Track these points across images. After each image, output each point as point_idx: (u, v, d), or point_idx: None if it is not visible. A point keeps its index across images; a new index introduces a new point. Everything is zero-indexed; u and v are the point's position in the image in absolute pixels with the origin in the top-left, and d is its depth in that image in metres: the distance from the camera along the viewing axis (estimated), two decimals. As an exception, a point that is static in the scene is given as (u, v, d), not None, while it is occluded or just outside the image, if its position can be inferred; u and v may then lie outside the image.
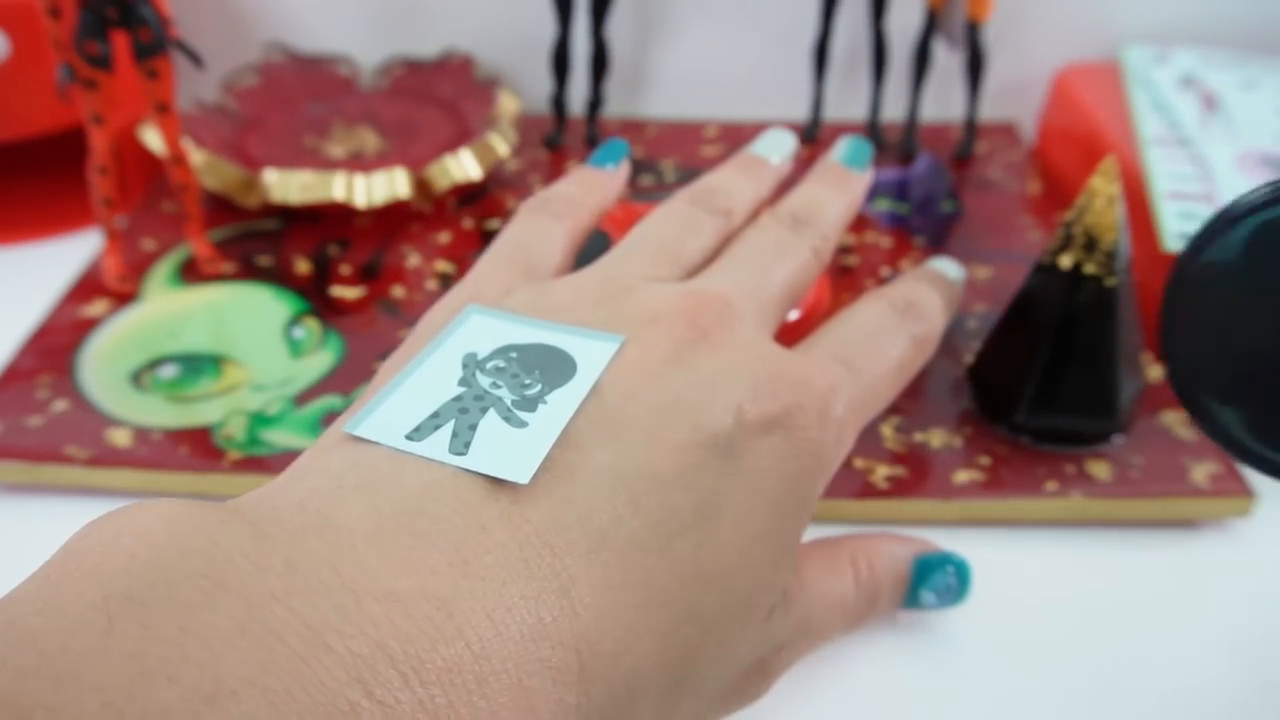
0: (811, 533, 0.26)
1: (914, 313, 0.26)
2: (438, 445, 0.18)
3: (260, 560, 0.15)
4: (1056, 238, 0.29)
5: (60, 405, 0.31)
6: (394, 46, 0.49)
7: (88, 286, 0.36)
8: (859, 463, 0.30)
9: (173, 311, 0.35)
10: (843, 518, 0.29)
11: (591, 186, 0.28)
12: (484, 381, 0.20)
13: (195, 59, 0.34)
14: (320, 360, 0.33)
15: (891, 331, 0.25)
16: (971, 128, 0.46)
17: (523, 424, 0.19)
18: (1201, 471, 0.30)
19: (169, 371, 0.33)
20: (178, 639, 0.14)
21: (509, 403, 0.20)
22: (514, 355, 0.21)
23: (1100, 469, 0.30)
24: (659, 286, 0.23)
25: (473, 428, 0.19)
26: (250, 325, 0.35)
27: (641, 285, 0.23)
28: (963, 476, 0.29)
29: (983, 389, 0.32)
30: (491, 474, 0.18)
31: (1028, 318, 0.30)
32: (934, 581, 0.25)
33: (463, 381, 0.20)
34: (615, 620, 0.18)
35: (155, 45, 0.33)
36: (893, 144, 0.47)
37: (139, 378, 0.32)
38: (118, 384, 0.32)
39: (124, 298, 0.36)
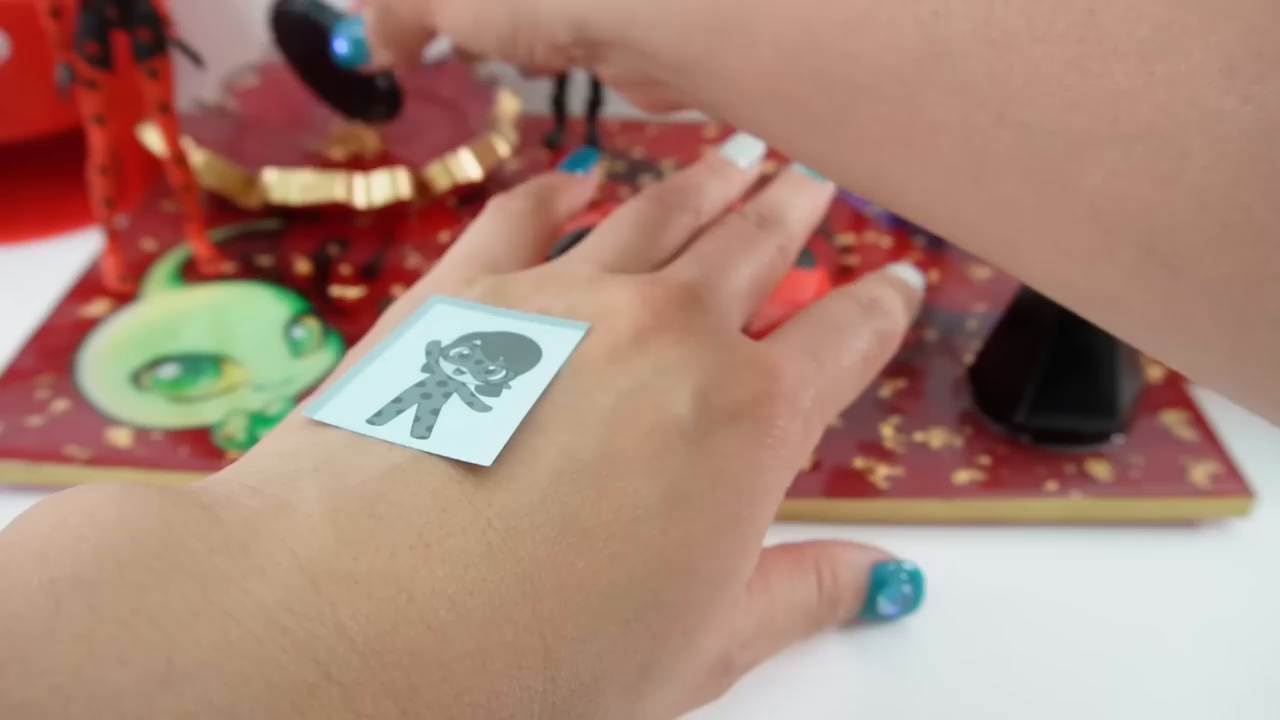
0: (809, 533, 0.27)
1: (878, 309, 0.26)
2: (399, 429, 0.18)
3: (214, 543, 0.15)
4: (1056, 238, 0.29)
5: (60, 405, 0.31)
6: (394, 46, 0.49)
7: (88, 286, 0.36)
8: (859, 463, 0.30)
9: (173, 311, 0.35)
10: (843, 518, 0.29)
11: (562, 188, 0.28)
12: (448, 368, 0.20)
13: (195, 59, 0.34)
14: (320, 360, 0.33)
15: (857, 326, 0.25)
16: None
17: (486, 408, 0.19)
18: (1201, 471, 0.30)
19: (169, 371, 0.33)
20: (128, 620, 0.13)
21: (473, 388, 0.19)
22: (478, 343, 0.21)
23: (1100, 469, 0.30)
24: (624, 277, 0.23)
25: (435, 412, 0.19)
26: (250, 325, 0.35)
27: (606, 276, 0.23)
28: (963, 476, 0.29)
29: (983, 389, 0.32)
30: (454, 457, 0.18)
31: (1028, 317, 0.30)
32: (891, 590, 0.25)
33: (426, 368, 0.20)
34: (580, 605, 0.17)
35: (155, 45, 0.33)
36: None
37: (139, 378, 0.32)
38: (118, 384, 0.32)
39: (124, 298, 0.36)
